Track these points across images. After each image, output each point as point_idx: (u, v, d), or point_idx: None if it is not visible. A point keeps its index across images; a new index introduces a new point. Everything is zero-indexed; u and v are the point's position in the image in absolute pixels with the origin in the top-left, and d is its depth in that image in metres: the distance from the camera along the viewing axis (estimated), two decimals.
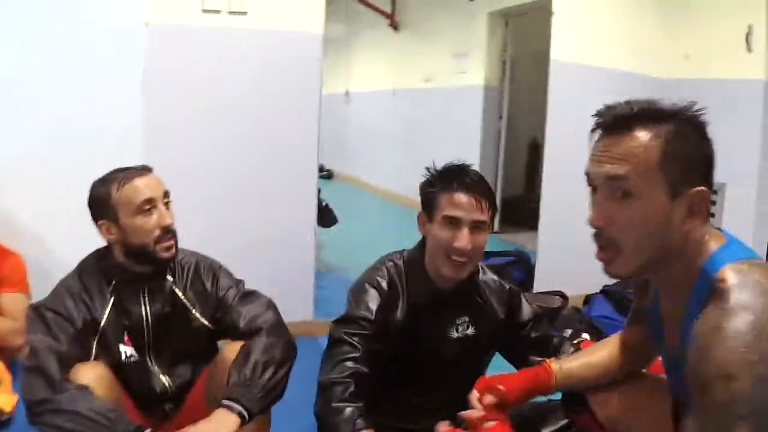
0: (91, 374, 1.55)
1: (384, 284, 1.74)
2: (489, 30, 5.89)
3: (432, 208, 1.70)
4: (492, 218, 1.73)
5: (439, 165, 1.77)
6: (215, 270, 1.83)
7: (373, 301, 1.71)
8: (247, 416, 1.49)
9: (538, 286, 3.76)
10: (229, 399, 1.51)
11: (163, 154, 2.64)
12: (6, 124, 2.71)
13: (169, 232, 1.68)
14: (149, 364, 1.74)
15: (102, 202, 1.66)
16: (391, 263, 1.80)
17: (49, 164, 2.75)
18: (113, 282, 1.71)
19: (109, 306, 1.69)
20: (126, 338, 1.70)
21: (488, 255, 4.32)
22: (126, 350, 1.70)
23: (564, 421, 1.74)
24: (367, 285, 1.74)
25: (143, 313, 1.73)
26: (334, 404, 1.55)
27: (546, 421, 1.79)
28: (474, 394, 1.48)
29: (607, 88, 3.53)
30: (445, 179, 1.71)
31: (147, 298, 1.73)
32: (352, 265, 3.75)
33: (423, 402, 1.79)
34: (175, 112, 2.91)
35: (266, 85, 3.01)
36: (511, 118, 6.03)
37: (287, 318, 1.80)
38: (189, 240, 1.80)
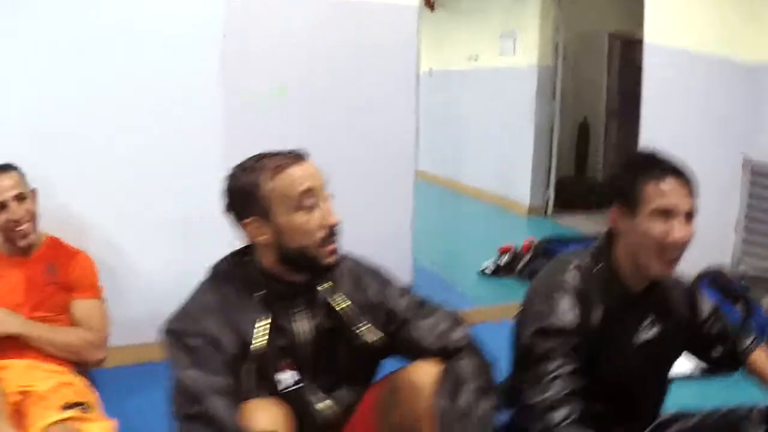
0: (267, 416, 1.29)
1: (576, 289, 1.50)
2: (542, 10, 5.69)
3: (634, 201, 1.46)
4: None
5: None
6: (378, 275, 1.55)
7: (570, 309, 1.47)
8: None
9: None
10: None
11: (243, 142, 2.38)
12: (77, 112, 2.54)
13: (334, 233, 1.38)
14: (309, 391, 1.45)
15: (248, 195, 1.35)
16: (575, 265, 1.54)
17: (120, 155, 2.59)
18: (261, 294, 1.39)
19: (261, 325, 1.38)
20: (283, 363, 1.42)
21: (567, 241, 4.11)
22: (283, 378, 1.42)
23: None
24: (560, 291, 1.49)
25: (300, 330, 1.43)
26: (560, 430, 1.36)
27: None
28: None
29: (691, 71, 3.35)
30: (645, 167, 1.48)
31: (303, 313, 1.44)
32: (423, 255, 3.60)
33: (605, 415, 1.53)
34: (254, 96, 2.72)
35: (358, 64, 2.79)
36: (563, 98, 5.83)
37: None
38: None
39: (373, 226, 2.80)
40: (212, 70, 2.60)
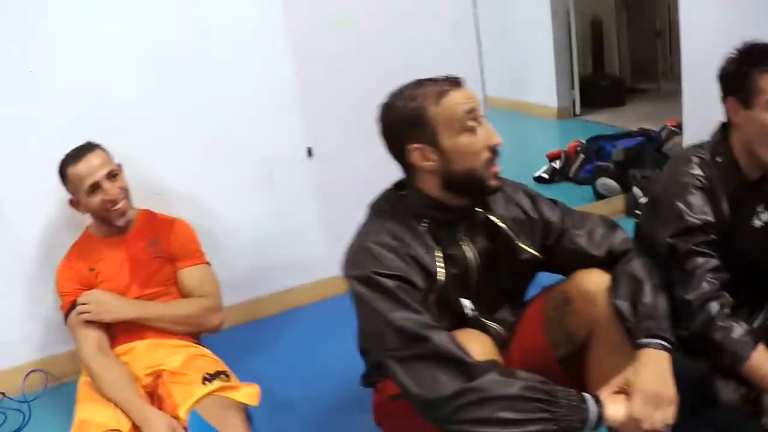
0: (479, 344, 1.29)
1: (704, 182, 1.57)
2: None
3: (749, 93, 1.51)
4: None
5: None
6: (526, 190, 1.55)
7: (704, 203, 1.55)
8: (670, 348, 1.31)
9: None
10: (649, 336, 1.32)
11: (316, 107, 2.53)
12: (154, 87, 2.44)
13: (497, 153, 1.36)
14: (482, 314, 1.47)
15: (413, 122, 1.33)
16: (697, 158, 1.61)
17: (199, 125, 2.50)
18: (426, 224, 1.39)
19: (439, 256, 1.38)
20: (459, 290, 1.42)
21: (614, 138, 4.06)
22: (466, 304, 1.43)
23: None
24: (690, 189, 1.56)
25: (468, 255, 1.44)
26: (720, 323, 1.45)
27: None
28: None
29: None
30: (759, 59, 1.51)
31: (467, 238, 1.44)
32: None
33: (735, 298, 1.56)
34: (324, 63, 2.64)
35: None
36: None
37: None
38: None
39: None
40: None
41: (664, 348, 1.31)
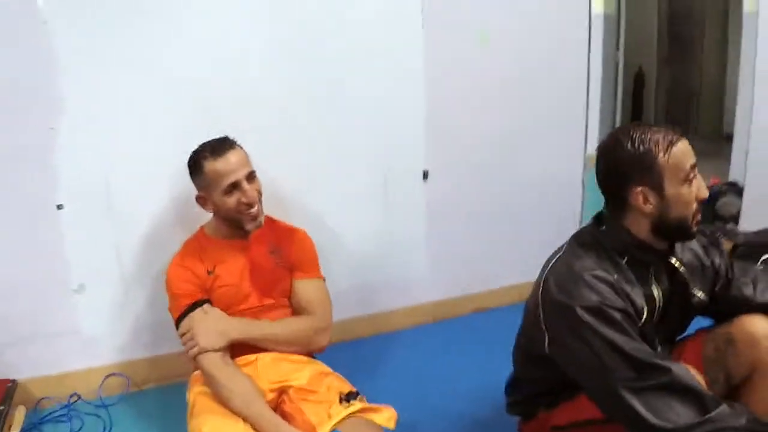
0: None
1: None
2: None
3: None
4: None
5: None
6: (700, 234, 1.65)
7: None
8: None
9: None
10: None
11: (439, 127, 2.52)
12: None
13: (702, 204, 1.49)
14: None
15: (644, 165, 1.42)
16: None
17: (322, 132, 2.43)
18: (626, 261, 1.51)
19: (640, 291, 1.50)
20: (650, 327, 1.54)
21: None
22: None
23: None
24: None
25: (657, 295, 1.55)
26: None
27: None
28: None
29: None
30: None
31: (657, 278, 1.56)
32: None
33: None
34: (452, 47, 2.56)
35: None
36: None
37: None
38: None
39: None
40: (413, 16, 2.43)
41: None
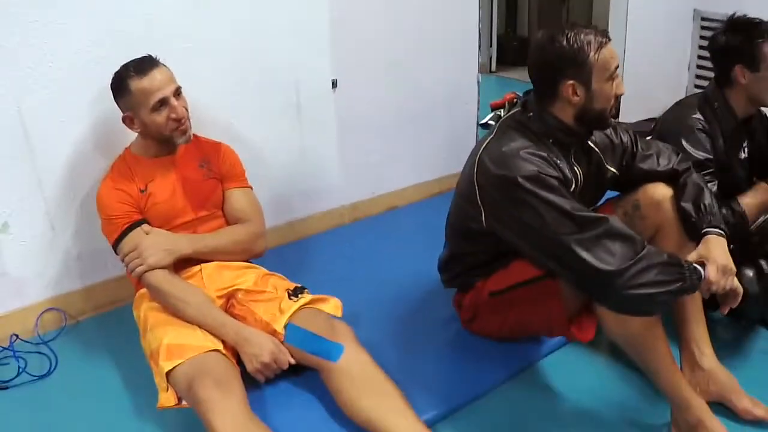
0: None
1: (705, 124, 2.01)
2: None
3: (757, 59, 1.96)
4: None
5: None
6: None
7: (706, 141, 1.98)
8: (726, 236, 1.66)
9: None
10: (711, 226, 1.67)
11: (343, 40, 2.60)
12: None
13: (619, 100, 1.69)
14: None
15: (576, 62, 1.59)
16: (697, 106, 2.05)
17: (233, 51, 2.44)
18: (552, 142, 1.69)
19: (567, 166, 1.69)
20: None
21: None
22: None
23: None
24: (695, 130, 1.99)
25: (576, 171, 1.74)
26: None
27: None
28: None
29: None
30: (758, 31, 1.95)
31: (577, 157, 1.75)
32: None
33: None
34: None
35: None
36: None
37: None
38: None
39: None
40: None
41: (723, 236, 1.65)
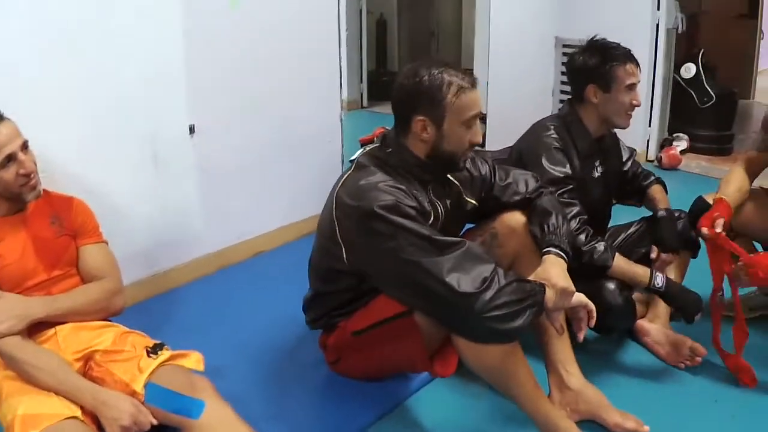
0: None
1: (559, 144, 2.09)
2: None
3: (609, 81, 2.09)
4: None
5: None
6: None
7: (564, 159, 2.07)
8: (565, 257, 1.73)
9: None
10: (550, 246, 1.75)
11: (200, 86, 2.61)
12: None
13: (474, 148, 1.74)
14: None
15: (432, 100, 1.63)
16: (553, 126, 2.15)
17: (87, 100, 2.36)
18: (411, 176, 1.72)
19: (426, 199, 1.72)
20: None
21: None
22: None
23: None
24: (552, 149, 2.08)
25: (438, 207, 1.78)
26: (585, 248, 1.97)
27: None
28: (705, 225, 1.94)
29: None
30: (612, 55, 2.10)
31: (438, 191, 1.79)
32: None
33: None
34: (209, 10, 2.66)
35: None
36: None
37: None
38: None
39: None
40: None
41: (562, 256, 1.71)
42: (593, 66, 2.11)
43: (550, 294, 1.58)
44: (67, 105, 2.28)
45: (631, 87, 2.10)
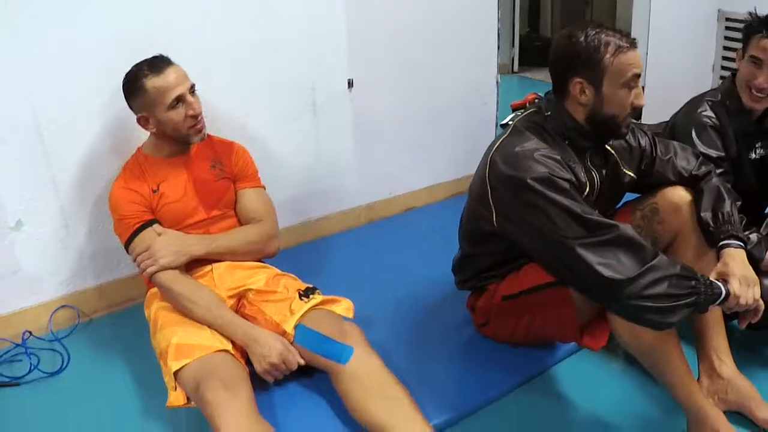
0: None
1: (714, 122, 1.93)
2: None
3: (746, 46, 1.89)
4: None
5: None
6: None
7: (717, 139, 1.91)
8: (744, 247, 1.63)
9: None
10: (729, 238, 1.64)
11: (359, 39, 2.60)
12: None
13: (636, 111, 1.63)
14: None
15: (589, 61, 1.55)
16: (709, 102, 1.97)
17: (247, 50, 2.42)
18: (567, 144, 1.65)
19: (582, 170, 1.65)
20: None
21: None
22: None
23: None
24: (707, 128, 1.92)
25: (594, 177, 1.70)
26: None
27: None
28: None
29: None
30: (750, 30, 1.88)
31: (593, 162, 1.71)
32: None
33: None
34: None
35: None
36: None
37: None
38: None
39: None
40: None
41: (741, 247, 1.61)
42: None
43: (735, 286, 1.49)
44: (227, 56, 2.36)
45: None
